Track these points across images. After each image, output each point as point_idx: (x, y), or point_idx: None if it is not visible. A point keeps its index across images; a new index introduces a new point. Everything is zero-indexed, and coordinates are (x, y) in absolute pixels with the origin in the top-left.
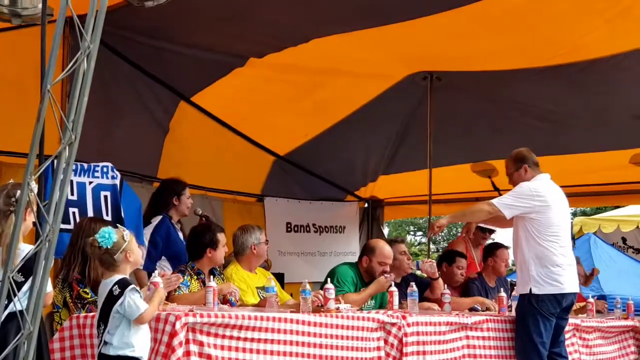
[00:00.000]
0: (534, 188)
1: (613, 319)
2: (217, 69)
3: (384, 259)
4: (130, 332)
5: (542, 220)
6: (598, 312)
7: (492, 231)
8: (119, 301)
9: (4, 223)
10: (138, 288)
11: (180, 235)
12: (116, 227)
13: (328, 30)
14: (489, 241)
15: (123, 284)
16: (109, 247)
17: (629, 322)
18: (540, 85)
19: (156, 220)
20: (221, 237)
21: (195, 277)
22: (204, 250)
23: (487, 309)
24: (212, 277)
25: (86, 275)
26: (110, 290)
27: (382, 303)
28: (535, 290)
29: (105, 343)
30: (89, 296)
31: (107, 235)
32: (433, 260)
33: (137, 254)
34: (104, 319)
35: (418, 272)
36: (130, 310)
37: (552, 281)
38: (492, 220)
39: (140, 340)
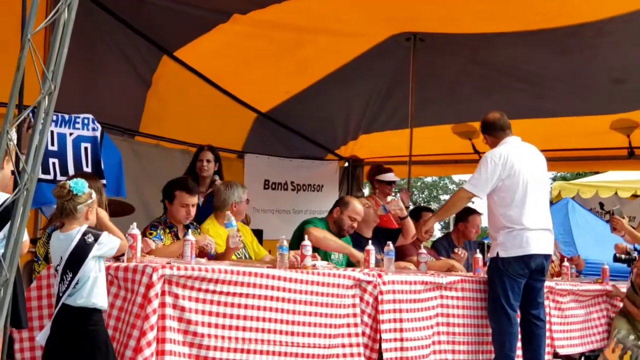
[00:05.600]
0: (497, 155)
1: (588, 282)
2: (200, 24)
3: (354, 214)
4: (100, 282)
5: (508, 185)
6: (578, 272)
7: (394, 182)
8: (96, 247)
9: None
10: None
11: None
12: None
13: None
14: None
15: (95, 232)
16: (78, 194)
17: (603, 287)
18: (525, 48)
19: None
20: (179, 194)
21: (167, 230)
22: (165, 204)
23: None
24: (188, 230)
25: None
26: (82, 239)
27: (349, 260)
28: (502, 254)
29: (71, 294)
30: None
31: (80, 184)
32: (397, 199)
33: (94, 218)
34: (73, 268)
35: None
36: (110, 247)
37: (518, 244)
38: None
39: (104, 292)
